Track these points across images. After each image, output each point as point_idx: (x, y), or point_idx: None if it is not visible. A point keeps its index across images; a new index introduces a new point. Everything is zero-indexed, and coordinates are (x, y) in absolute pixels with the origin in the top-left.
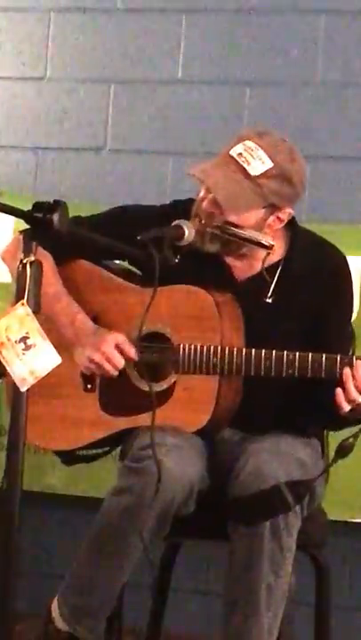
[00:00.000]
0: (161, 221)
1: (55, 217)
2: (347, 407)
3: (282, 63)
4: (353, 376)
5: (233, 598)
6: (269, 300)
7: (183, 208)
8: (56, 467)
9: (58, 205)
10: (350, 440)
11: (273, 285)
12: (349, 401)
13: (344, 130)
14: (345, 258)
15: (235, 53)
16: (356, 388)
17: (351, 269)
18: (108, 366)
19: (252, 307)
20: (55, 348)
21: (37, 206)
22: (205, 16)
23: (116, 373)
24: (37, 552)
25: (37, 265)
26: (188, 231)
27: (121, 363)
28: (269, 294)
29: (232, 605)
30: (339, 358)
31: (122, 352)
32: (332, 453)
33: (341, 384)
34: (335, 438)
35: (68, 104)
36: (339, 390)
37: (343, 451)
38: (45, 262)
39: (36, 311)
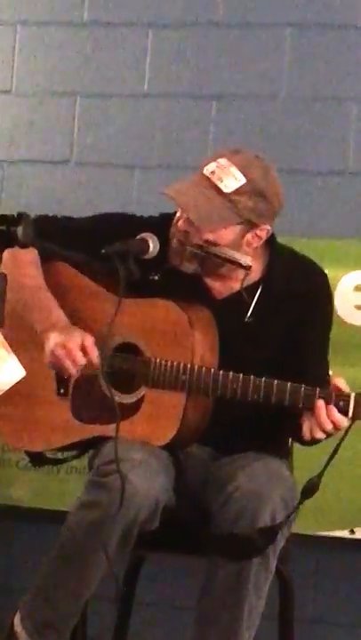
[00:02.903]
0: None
1: (19, 230)
2: (321, 435)
3: (248, 77)
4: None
5: (211, 614)
6: (249, 320)
7: (168, 223)
8: (23, 480)
9: (22, 218)
10: (315, 480)
11: (253, 305)
12: (324, 432)
13: (310, 143)
14: (325, 275)
15: (201, 67)
16: (329, 417)
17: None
18: (67, 363)
19: (232, 326)
20: (29, 345)
21: (1, 219)
22: (171, 30)
23: (73, 372)
24: (2, 565)
25: (2, 279)
26: (153, 245)
27: (81, 361)
28: (249, 314)
29: (209, 620)
30: (303, 389)
31: (85, 354)
32: (297, 473)
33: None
34: (301, 453)
35: (34, 117)
36: (304, 419)
37: (309, 491)
38: (30, 255)
39: (1, 325)
